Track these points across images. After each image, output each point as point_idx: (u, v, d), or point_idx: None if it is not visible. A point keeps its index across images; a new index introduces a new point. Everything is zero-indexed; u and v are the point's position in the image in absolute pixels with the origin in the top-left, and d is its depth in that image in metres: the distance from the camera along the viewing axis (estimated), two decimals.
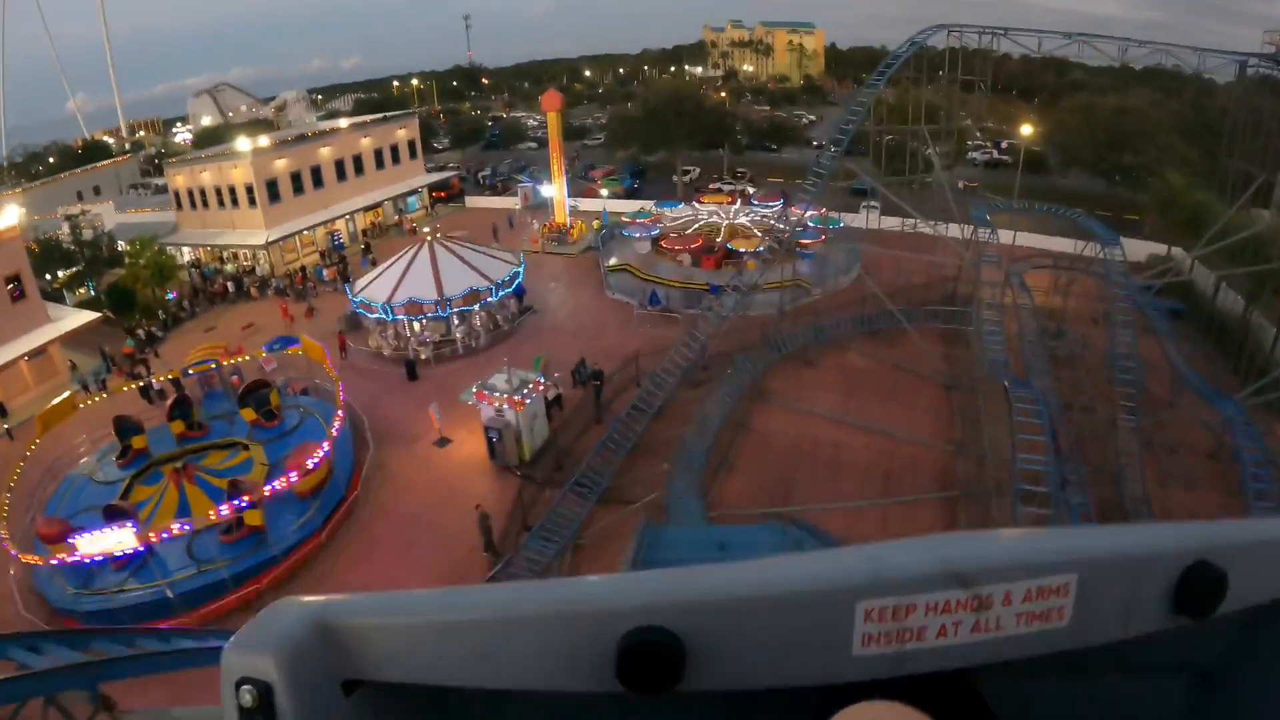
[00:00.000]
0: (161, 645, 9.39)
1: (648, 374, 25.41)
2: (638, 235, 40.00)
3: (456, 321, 31.33)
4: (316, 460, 19.86)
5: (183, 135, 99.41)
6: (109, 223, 48.12)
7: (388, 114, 59.84)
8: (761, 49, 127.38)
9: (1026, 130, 50.66)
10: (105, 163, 72.25)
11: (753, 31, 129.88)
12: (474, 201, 59.19)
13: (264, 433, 24.00)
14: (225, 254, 47.49)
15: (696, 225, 39.55)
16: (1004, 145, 63.30)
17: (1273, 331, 27.27)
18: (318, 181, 48.23)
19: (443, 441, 24.43)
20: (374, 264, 37.82)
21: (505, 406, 22.21)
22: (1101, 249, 28.81)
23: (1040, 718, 1.18)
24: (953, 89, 38.00)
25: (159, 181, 57.23)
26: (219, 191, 46.16)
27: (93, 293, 43.27)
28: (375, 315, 30.81)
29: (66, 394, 25.57)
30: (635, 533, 7.67)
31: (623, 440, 22.27)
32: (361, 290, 31.46)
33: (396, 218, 53.99)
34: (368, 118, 59.21)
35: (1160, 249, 37.08)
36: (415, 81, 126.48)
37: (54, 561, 17.95)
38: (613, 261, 38.68)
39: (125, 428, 23.53)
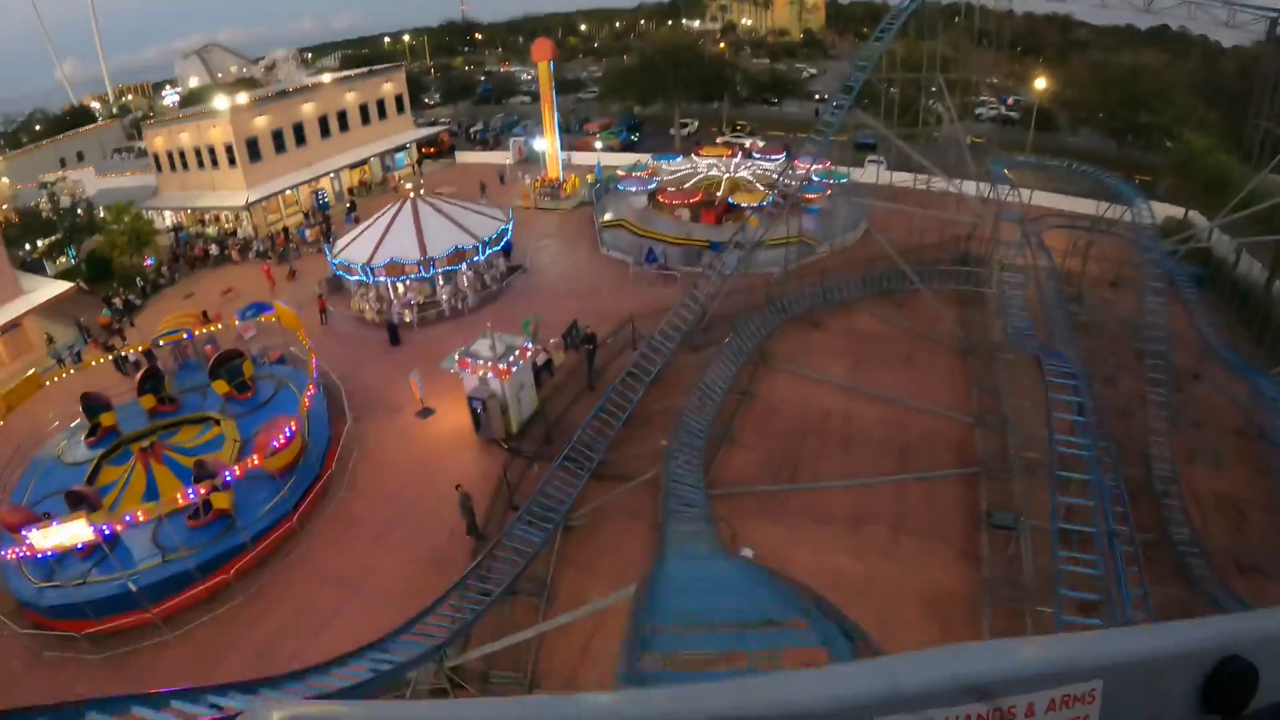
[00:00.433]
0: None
1: (645, 337, 23.76)
2: (634, 189, 37.78)
3: (441, 282, 29.69)
4: (279, 442, 18.36)
5: (171, 98, 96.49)
6: (90, 189, 46.26)
7: (373, 67, 57.35)
8: (761, 2, 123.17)
9: (1040, 84, 48.22)
10: (88, 127, 69.39)
11: None
12: (464, 157, 57.35)
13: (237, 406, 22.60)
14: (206, 216, 45.75)
15: (696, 179, 37.46)
16: (1010, 101, 61.59)
17: None
18: (300, 139, 46.31)
19: (426, 412, 22.98)
20: (357, 222, 36.06)
21: (489, 375, 20.71)
22: (1128, 210, 26.99)
23: None
24: (961, 40, 35.91)
25: (142, 145, 54.92)
26: (198, 152, 44.42)
27: (73, 261, 41.67)
28: (356, 277, 29.14)
29: (31, 372, 24.09)
30: (639, 588, 6.49)
31: (617, 410, 20.67)
32: (341, 251, 29.76)
33: (384, 175, 52.05)
34: (352, 71, 56.82)
35: (1176, 212, 35.33)
36: (407, 38, 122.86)
37: (13, 556, 16.57)
38: (608, 217, 36.79)
39: (93, 405, 22.25)
